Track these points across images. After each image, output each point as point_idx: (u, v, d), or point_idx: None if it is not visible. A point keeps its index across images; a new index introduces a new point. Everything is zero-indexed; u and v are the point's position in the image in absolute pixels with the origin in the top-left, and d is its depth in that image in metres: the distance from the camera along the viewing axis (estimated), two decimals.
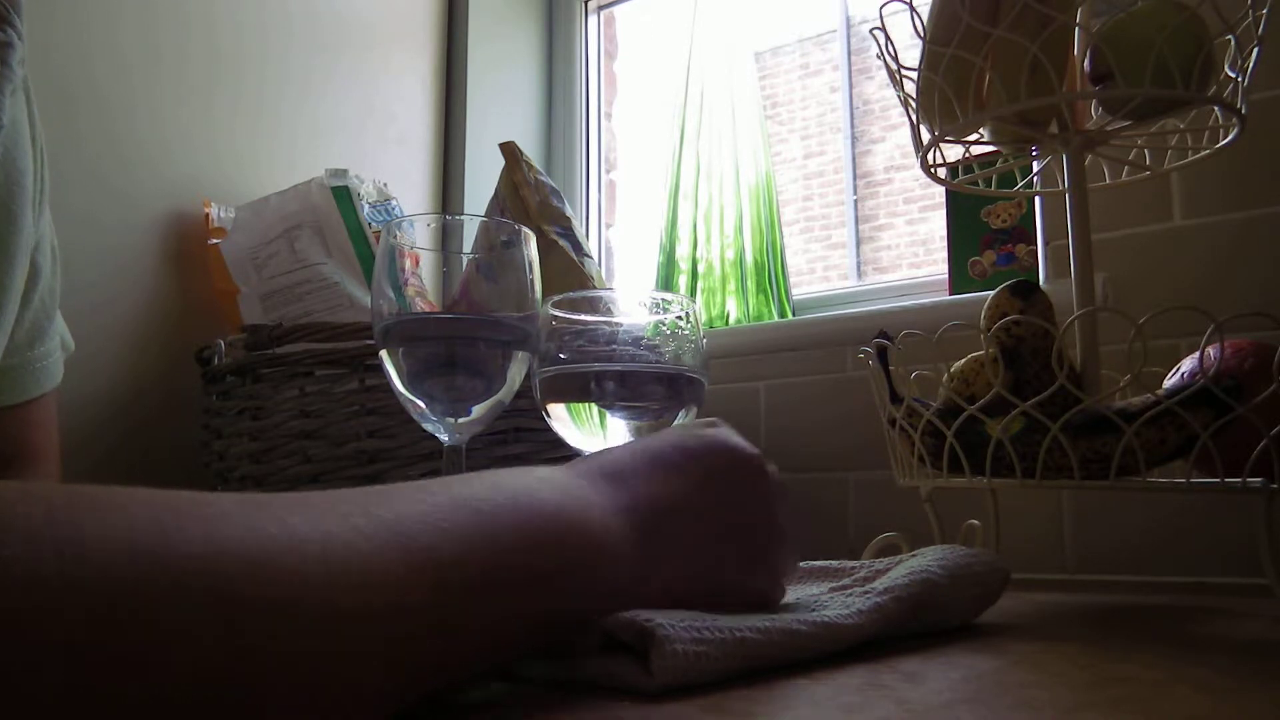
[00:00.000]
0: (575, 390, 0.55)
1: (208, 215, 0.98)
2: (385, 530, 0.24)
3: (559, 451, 0.75)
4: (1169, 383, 0.63)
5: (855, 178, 3.59)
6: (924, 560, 0.44)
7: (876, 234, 3.63)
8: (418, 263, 0.52)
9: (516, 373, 0.51)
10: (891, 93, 0.67)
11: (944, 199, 1.05)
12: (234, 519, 0.21)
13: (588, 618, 0.30)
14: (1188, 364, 0.64)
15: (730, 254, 1.21)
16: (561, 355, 0.56)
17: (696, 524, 0.35)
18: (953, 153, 0.68)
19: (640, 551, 0.32)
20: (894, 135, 3.49)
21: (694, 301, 0.63)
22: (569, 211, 1.03)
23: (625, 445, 0.38)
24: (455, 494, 0.27)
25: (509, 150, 1.05)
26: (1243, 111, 0.58)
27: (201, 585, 0.19)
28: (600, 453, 0.37)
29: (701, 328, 0.60)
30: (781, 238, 1.22)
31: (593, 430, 0.56)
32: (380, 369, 0.51)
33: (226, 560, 0.20)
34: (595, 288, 0.96)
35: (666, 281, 1.24)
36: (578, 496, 0.31)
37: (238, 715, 0.19)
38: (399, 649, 0.23)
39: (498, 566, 0.26)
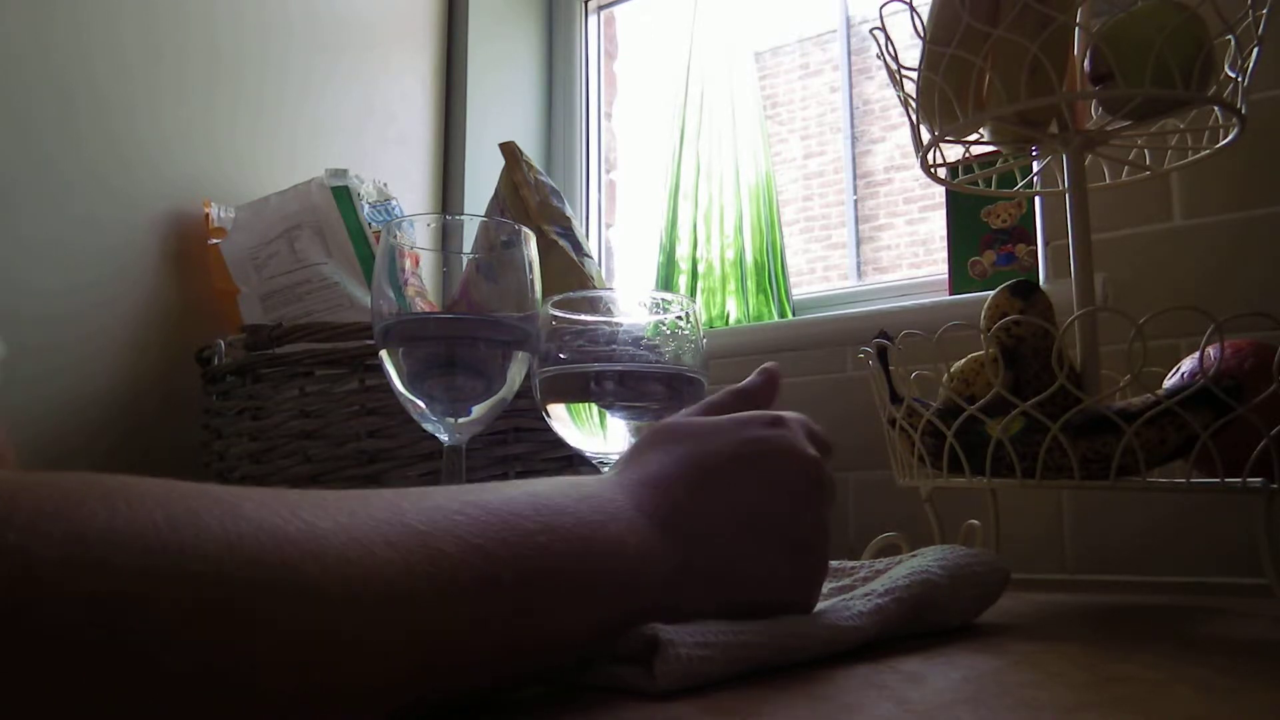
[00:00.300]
0: (575, 390, 0.55)
1: (208, 215, 0.98)
2: (412, 538, 0.24)
3: (559, 451, 0.75)
4: (1169, 383, 0.63)
5: (855, 178, 3.59)
6: (924, 560, 0.44)
7: (876, 234, 3.63)
8: (418, 263, 0.52)
9: (516, 373, 0.51)
10: (891, 93, 0.67)
11: (944, 199, 1.05)
12: (252, 515, 0.21)
13: (625, 629, 0.30)
14: (1188, 364, 0.64)
15: (730, 254, 1.21)
16: (561, 355, 0.56)
17: (742, 538, 0.34)
18: (953, 153, 0.68)
19: (681, 565, 0.32)
20: (894, 135, 3.48)
21: (694, 301, 0.63)
22: (569, 211, 1.03)
23: (674, 448, 0.36)
24: (491, 507, 0.27)
25: (509, 150, 1.05)
26: (1243, 111, 0.58)
27: (198, 573, 0.19)
28: (647, 458, 0.36)
29: (701, 328, 0.60)
30: (781, 238, 1.22)
31: (593, 430, 0.56)
32: (380, 369, 0.51)
33: (230, 552, 0.20)
34: (595, 288, 0.96)
35: (666, 281, 1.24)
36: (616, 514, 0.31)
37: (235, 711, 0.19)
38: (402, 649, 0.23)
39: (528, 579, 0.26)
